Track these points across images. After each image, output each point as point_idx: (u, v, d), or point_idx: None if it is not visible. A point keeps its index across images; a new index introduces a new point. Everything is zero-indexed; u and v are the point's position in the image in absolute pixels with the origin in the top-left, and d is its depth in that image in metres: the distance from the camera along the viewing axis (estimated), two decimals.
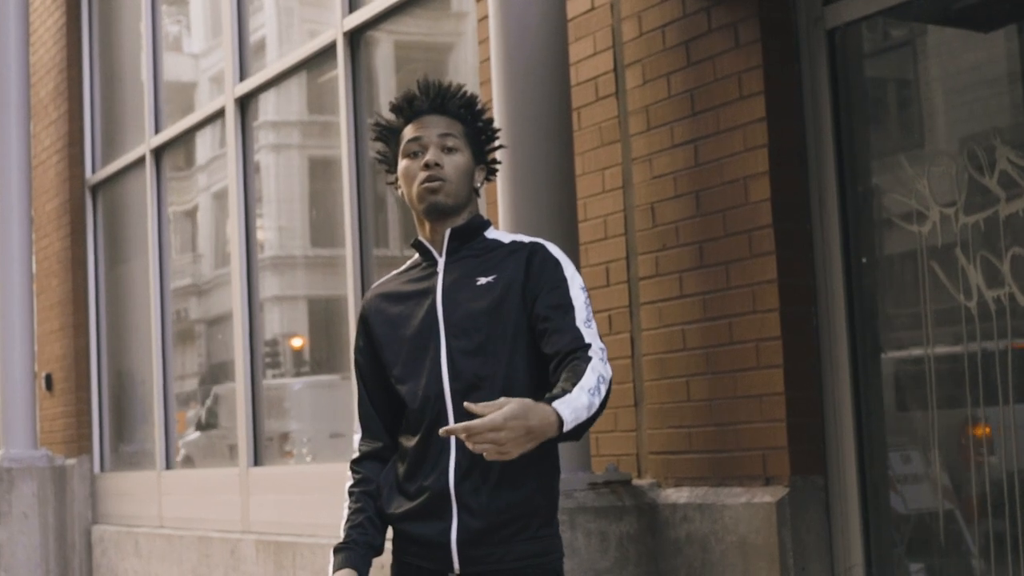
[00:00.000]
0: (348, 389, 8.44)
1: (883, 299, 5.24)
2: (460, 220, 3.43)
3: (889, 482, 5.12)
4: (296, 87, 9.14)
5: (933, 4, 5.06)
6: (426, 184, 3.37)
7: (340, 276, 8.21)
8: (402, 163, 3.45)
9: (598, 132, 5.97)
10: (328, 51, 8.26)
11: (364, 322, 3.54)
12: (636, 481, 5.65)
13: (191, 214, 10.93)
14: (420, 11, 7.90)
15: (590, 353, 3.23)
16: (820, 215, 5.19)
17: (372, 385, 3.53)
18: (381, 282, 3.63)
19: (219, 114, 9.62)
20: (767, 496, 5.08)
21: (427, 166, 3.37)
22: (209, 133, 10.16)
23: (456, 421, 3.28)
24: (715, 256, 5.36)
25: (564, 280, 3.35)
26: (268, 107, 9.44)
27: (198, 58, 10.99)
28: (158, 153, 10.61)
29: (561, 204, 5.39)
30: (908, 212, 4.99)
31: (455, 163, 3.39)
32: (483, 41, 6.71)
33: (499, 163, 3.65)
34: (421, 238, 3.49)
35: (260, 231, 9.37)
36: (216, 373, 10.26)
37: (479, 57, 6.75)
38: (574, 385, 3.12)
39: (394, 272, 3.64)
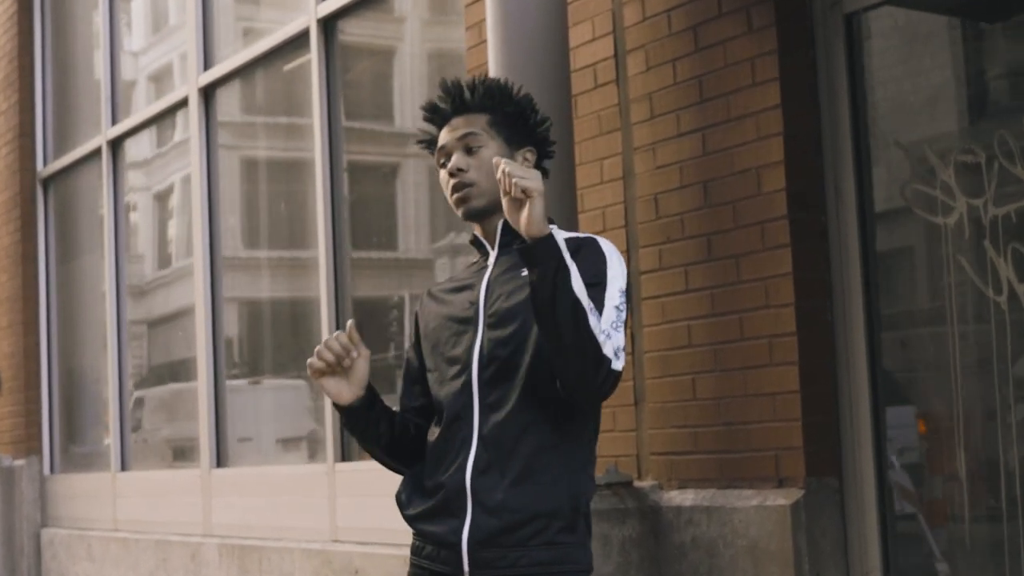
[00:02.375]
0: (313, 391, 8.18)
1: (903, 294, 5.06)
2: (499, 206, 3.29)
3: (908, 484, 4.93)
4: (263, 78, 8.86)
5: None
6: (455, 194, 3.32)
7: (305, 278, 7.97)
8: (440, 172, 3.40)
9: (596, 120, 5.75)
10: (300, 39, 7.99)
11: (416, 318, 3.47)
12: (637, 483, 5.44)
13: (151, 206, 10.62)
14: None
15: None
16: (836, 206, 4.99)
17: (417, 382, 3.44)
18: (440, 282, 3.58)
19: (182, 104, 9.32)
20: (781, 499, 4.87)
21: (451, 174, 3.31)
22: (171, 124, 9.86)
23: (480, 413, 3.19)
24: (724, 249, 5.15)
25: (604, 276, 3.18)
26: (233, 98, 9.15)
27: (137, 56, 10.69)
28: (115, 145, 10.30)
29: (560, 194, 5.16)
30: (931, 203, 4.81)
31: (481, 160, 3.30)
32: (470, 27, 6.48)
33: (553, 142, 3.51)
34: (476, 233, 3.42)
35: (223, 228, 9.08)
36: (176, 372, 9.95)
37: (466, 43, 6.51)
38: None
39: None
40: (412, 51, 8.02)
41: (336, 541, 7.40)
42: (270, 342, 9.19)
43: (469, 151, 3.31)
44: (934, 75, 5.04)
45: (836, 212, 4.99)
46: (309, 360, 3.24)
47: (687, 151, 5.34)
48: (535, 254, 3.02)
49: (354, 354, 3.25)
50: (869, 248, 4.93)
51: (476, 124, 3.34)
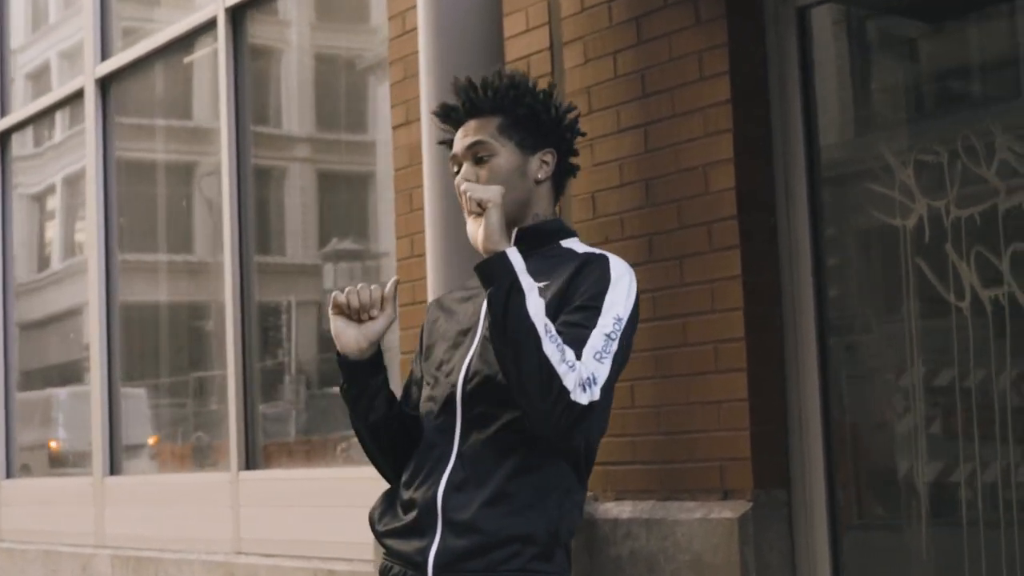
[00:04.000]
0: (215, 396, 7.89)
1: (858, 299, 4.87)
2: (527, 221, 3.07)
3: (861, 497, 4.74)
4: (165, 69, 8.51)
5: None
6: (466, 209, 3.00)
7: (203, 282, 7.59)
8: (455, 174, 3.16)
9: None
10: (207, 28, 7.68)
11: (422, 329, 3.24)
12: None
13: (38, 200, 10.21)
14: None
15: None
16: (787, 206, 4.80)
17: (416, 389, 3.20)
18: (452, 290, 3.35)
19: (77, 95, 8.93)
20: (727, 511, 4.66)
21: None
22: (64, 116, 9.47)
23: (462, 428, 2.95)
24: (667, 250, 4.93)
25: (601, 299, 2.89)
26: (131, 92, 8.79)
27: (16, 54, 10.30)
28: (3, 137, 9.88)
29: None
30: (889, 204, 4.62)
31: (491, 172, 3.03)
32: (393, 17, 6.21)
33: (574, 138, 3.23)
34: None
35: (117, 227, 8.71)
36: (65, 375, 9.56)
37: (389, 33, 6.24)
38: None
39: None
40: (300, 53, 7.79)
41: (240, 553, 7.10)
42: (167, 347, 8.85)
43: (479, 161, 3.05)
44: (891, 71, 4.86)
45: (787, 213, 4.80)
46: (334, 292, 3.04)
47: (627, 148, 5.12)
48: (488, 271, 2.80)
49: (375, 312, 3.01)
50: (821, 251, 4.74)
51: (486, 130, 3.07)
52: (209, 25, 7.66)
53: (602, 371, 2.80)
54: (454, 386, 2.95)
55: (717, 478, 4.77)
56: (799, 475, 4.73)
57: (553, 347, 2.74)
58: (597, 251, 3.05)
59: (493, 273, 2.78)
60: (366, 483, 6.67)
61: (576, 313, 2.86)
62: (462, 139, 3.09)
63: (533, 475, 2.87)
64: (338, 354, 3.04)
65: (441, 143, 3.30)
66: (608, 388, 2.81)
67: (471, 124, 3.09)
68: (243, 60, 7.47)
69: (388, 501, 3.06)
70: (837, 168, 4.84)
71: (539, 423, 2.78)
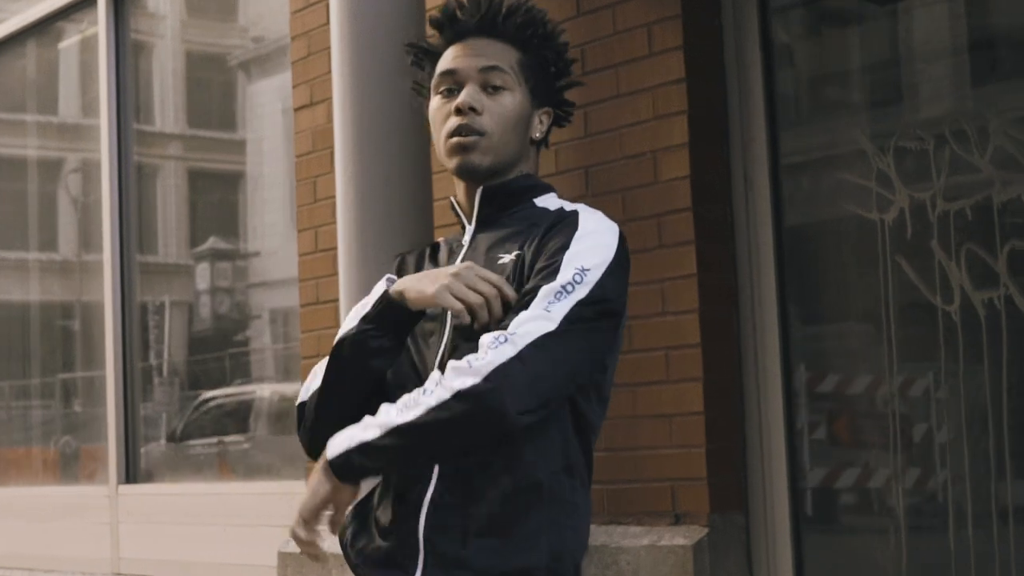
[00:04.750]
0: (92, 398, 7.31)
1: (828, 302, 4.39)
2: (505, 179, 2.57)
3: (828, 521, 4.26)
4: (35, 50, 7.87)
5: None
6: (455, 138, 2.52)
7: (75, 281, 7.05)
8: (432, 100, 2.60)
9: None
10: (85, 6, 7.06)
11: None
12: None
13: None
14: None
15: (485, 341, 2.26)
16: (747, 197, 4.31)
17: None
18: (412, 250, 2.75)
19: None
20: (680, 538, 4.15)
21: (459, 111, 2.51)
22: None
23: None
24: None
25: (562, 252, 2.36)
26: None
27: None
28: None
29: (415, 188, 4.35)
30: (864, 196, 4.15)
31: (501, 108, 2.52)
32: None
33: (572, 105, 2.74)
34: (453, 199, 2.64)
35: None
36: None
37: (290, 6, 5.66)
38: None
39: (439, 240, 2.75)
40: (172, 48, 7.41)
41: (118, 574, 6.50)
42: (37, 347, 8.20)
43: (490, 90, 2.53)
44: (867, 47, 4.38)
45: (746, 205, 4.31)
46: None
47: (564, 132, 4.58)
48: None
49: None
50: (785, 248, 4.26)
51: (506, 58, 2.54)
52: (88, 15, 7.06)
53: (534, 326, 2.26)
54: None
55: (668, 500, 4.27)
56: (759, 497, 4.25)
57: (399, 410, 2.29)
58: (573, 205, 2.53)
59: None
60: (260, 499, 6.19)
61: (540, 271, 2.36)
62: (469, 57, 2.54)
63: (533, 496, 2.34)
64: (390, 299, 2.43)
65: (410, 50, 2.69)
66: (550, 341, 2.26)
67: (483, 43, 2.55)
68: (125, 52, 7.03)
69: (360, 518, 2.49)
70: (803, 155, 4.35)
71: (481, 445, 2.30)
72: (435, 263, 2.60)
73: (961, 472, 3.95)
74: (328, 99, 5.32)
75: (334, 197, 5.24)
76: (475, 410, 2.21)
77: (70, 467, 7.71)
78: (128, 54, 7.04)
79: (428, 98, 2.63)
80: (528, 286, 2.34)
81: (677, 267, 4.26)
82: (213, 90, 7.47)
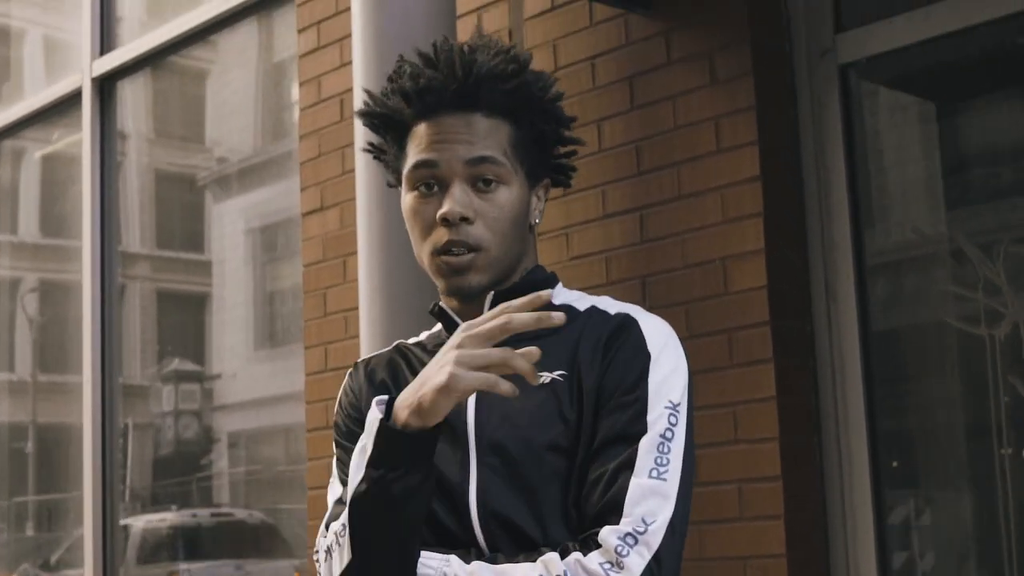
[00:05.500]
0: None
1: (924, 425, 3.89)
2: (508, 281, 2.09)
3: None
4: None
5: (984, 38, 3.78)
6: (445, 257, 2.04)
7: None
8: (408, 196, 2.09)
9: None
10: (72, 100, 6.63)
11: (350, 405, 2.17)
12: None
13: None
14: (184, 58, 6.50)
15: (601, 539, 1.86)
16: (829, 308, 3.83)
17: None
18: (378, 355, 2.23)
19: None
20: None
21: (446, 222, 2.02)
22: None
23: None
24: None
25: (644, 377, 1.95)
26: None
27: None
28: None
29: None
30: (970, 309, 3.67)
31: (498, 209, 2.04)
32: (305, 83, 5.17)
33: (572, 169, 2.22)
34: (444, 305, 2.13)
35: None
36: None
37: (300, 102, 5.19)
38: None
39: (402, 342, 2.23)
40: (139, 168, 7.12)
41: None
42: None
43: (482, 186, 2.03)
44: (967, 141, 3.93)
45: (828, 317, 3.83)
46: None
47: (616, 237, 4.12)
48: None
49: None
50: (874, 365, 3.77)
51: (496, 142, 2.04)
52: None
53: (655, 505, 1.87)
54: (472, 535, 1.96)
55: None
56: None
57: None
58: (611, 306, 2.08)
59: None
60: None
61: (615, 417, 1.93)
62: (453, 144, 2.03)
63: None
64: (402, 428, 1.88)
65: (364, 117, 2.16)
66: (676, 520, 1.89)
67: (465, 121, 2.04)
68: (110, 173, 6.68)
69: None
70: (892, 257, 3.88)
71: None
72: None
73: None
74: (341, 203, 4.86)
75: (347, 310, 4.76)
76: None
77: None
78: (113, 174, 6.70)
79: (392, 175, 2.15)
80: (606, 426, 1.93)
81: (752, 389, 3.76)
82: (179, 210, 7.26)
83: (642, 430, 1.91)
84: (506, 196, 2.03)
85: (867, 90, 3.92)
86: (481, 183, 2.02)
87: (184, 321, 7.34)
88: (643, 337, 1.99)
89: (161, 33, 6.24)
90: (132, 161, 7.07)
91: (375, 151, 2.20)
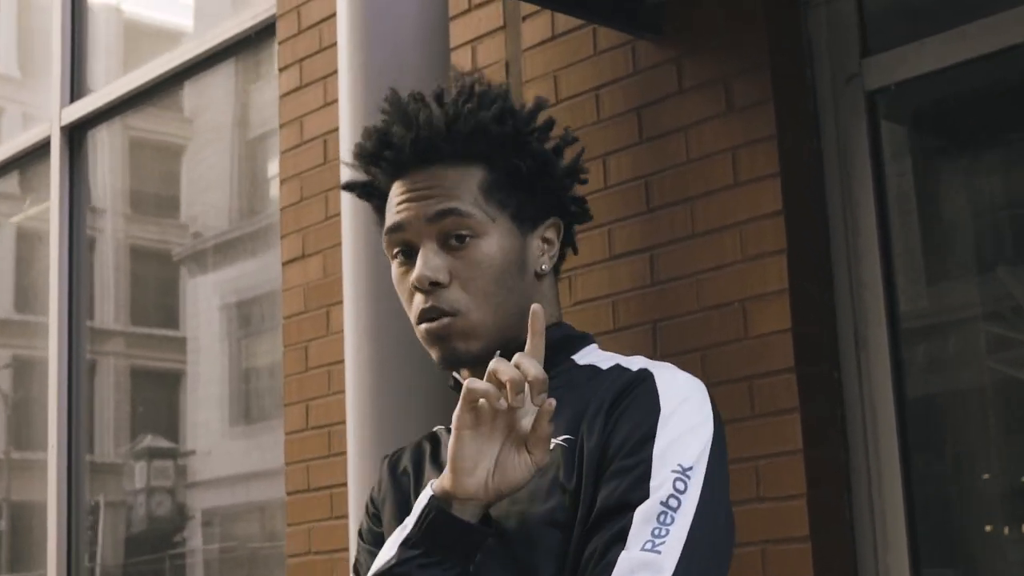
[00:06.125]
0: None
1: (967, 483, 3.57)
2: (520, 339, 1.83)
3: None
4: None
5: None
6: (424, 326, 1.90)
7: None
8: (392, 265, 1.96)
9: None
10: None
11: (375, 508, 2.02)
12: None
13: None
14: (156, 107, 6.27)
15: None
16: (858, 354, 3.52)
17: None
18: (410, 444, 2.09)
19: None
20: None
21: (419, 289, 1.89)
22: None
23: None
24: None
25: (649, 442, 1.74)
26: None
27: None
28: None
29: None
30: (1019, 356, 3.36)
31: (474, 267, 1.88)
32: (286, 124, 4.88)
33: (582, 200, 2.05)
34: (460, 377, 1.99)
35: None
36: None
37: (280, 145, 4.89)
38: None
39: (440, 428, 2.08)
40: (115, 244, 6.93)
41: None
42: None
43: (454, 243, 1.88)
44: (1007, 173, 3.64)
45: (858, 362, 3.52)
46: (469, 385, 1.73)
47: (624, 280, 3.81)
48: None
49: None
50: (909, 419, 3.45)
51: (465, 190, 1.89)
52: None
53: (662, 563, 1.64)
54: None
55: None
56: None
57: None
58: (636, 363, 1.89)
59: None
60: None
61: (622, 477, 1.73)
62: (416, 203, 1.89)
63: None
64: (446, 515, 1.72)
65: (351, 190, 2.06)
66: None
67: (429, 175, 1.90)
68: (79, 248, 6.47)
69: None
70: (932, 305, 3.58)
71: None
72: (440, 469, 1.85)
73: None
74: (324, 250, 4.56)
75: (330, 364, 4.45)
76: None
77: None
78: (82, 250, 6.49)
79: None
80: (604, 495, 1.72)
81: (776, 441, 3.44)
82: (153, 286, 7.09)
83: (642, 497, 1.70)
84: (483, 250, 1.86)
85: (897, 118, 3.63)
86: (453, 240, 1.87)
87: (158, 397, 7.13)
88: (655, 392, 1.80)
89: (133, 79, 5.97)
90: (106, 236, 6.86)
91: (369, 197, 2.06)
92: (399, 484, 1.97)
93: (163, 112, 6.46)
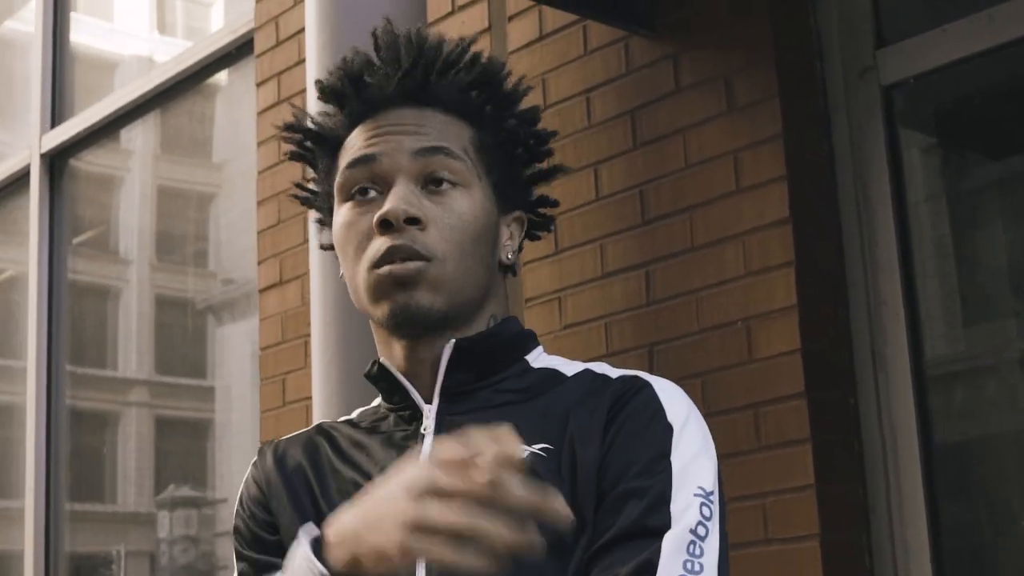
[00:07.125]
0: None
1: (996, 524, 3.20)
2: (470, 328, 1.65)
3: None
4: None
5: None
6: (386, 267, 1.58)
7: None
8: (341, 210, 1.66)
9: None
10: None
11: (261, 508, 1.69)
12: None
13: None
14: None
15: None
16: (877, 378, 3.16)
17: None
18: (292, 436, 1.76)
19: None
20: None
21: (386, 224, 1.58)
22: None
23: None
24: None
25: (664, 457, 1.54)
26: None
27: None
28: None
29: None
30: None
31: (455, 216, 1.62)
32: (263, 143, 4.58)
33: (553, 203, 1.81)
34: (386, 362, 1.67)
35: None
36: None
37: (258, 164, 4.59)
38: None
39: (325, 422, 1.77)
40: (139, 291, 6.92)
41: None
42: None
43: (433, 186, 1.62)
44: None
45: (876, 388, 3.16)
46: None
47: (618, 299, 3.46)
48: None
49: None
50: (934, 449, 3.08)
51: (451, 138, 1.64)
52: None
53: None
54: None
55: None
56: None
57: None
58: (612, 371, 1.66)
59: None
60: None
61: (628, 506, 1.51)
62: (400, 134, 1.62)
63: None
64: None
65: (287, 136, 1.78)
66: None
67: (413, 114, 1.65)
68: (59, 292, 6.25)
69: None
70: (953, 316, 3.21)
71: None
72: (354, 467, 1.62)
73: None
74: (302, 275, 4.24)
75: (310, 399, 4.10)
76: None
77: None
78: (63, 294, 6.24)
79: (322, 215, 1.76)
80: (619, 517, 1.51)
81: (785, 476, 3.08)
82: (180, 335, 6.91)
83: (665, 524, 1.50)
84: (466, 202, 1.62)
85: (916, 115, 3.28)
86: (432, 183, 1.61)
87: (183, 447, 7.05)
88: (660, 404, 1.59)
89: (112, 102, 5.70)
90: (132, 286, 6.86)
91: (304, 198, 1.79)
92: (290, 482, 1.67)
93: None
